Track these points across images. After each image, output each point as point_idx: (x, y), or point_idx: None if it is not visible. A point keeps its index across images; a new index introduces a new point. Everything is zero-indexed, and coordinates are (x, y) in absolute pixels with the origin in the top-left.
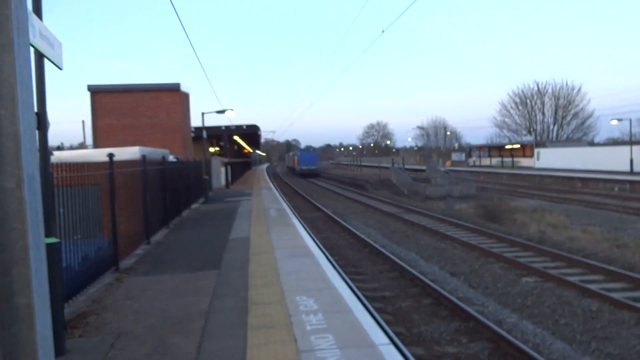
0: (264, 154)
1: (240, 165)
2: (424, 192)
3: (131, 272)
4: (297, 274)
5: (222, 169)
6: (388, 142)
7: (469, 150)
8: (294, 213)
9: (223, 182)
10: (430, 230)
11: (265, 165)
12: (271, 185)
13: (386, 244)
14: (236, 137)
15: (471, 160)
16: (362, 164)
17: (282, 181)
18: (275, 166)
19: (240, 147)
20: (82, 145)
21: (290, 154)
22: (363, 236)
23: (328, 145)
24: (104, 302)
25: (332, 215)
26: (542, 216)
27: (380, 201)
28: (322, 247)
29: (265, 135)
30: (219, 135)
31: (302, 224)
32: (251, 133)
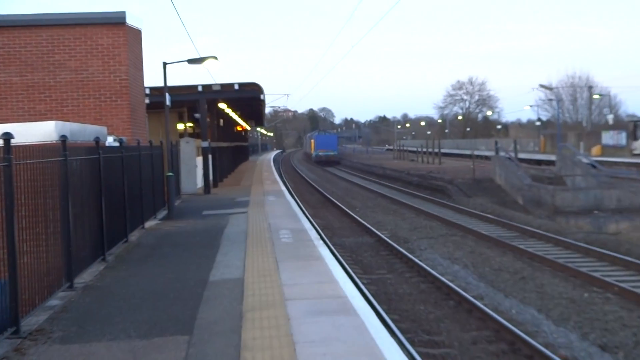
0: (270, 134)
1: (231, 153)
2: (551, 200)
3: (41, 338)
4: (328, 347)
5: (199, 160)
6: (489, 113)
7: (634, 127)
8: (321, 237)
9: (200, 182)
10: (564, 270)
11: (273, 153)
12: (282, 186)
13: (485, 292)
14: (223, 106)
15: (638, 145)
16: (443, 150)
17: (301, 179)
18: (291, 154)
19: (231, 123)
20: None
21: (308, 135)
22: (444, 279)
23: (383, 119)
24: None
25: (390, 240)
26: None
27: (473, 216)
28: (370, 297)
29: (273, 101)
30: (194, 102)
31: (335, 257)
32: (249, 98)
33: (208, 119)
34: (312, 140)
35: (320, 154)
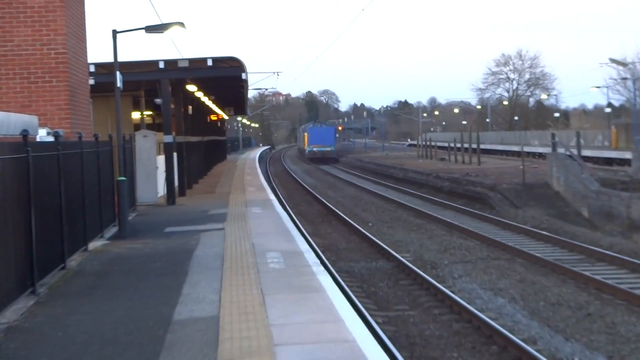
0: (255, 125)
1: (204, 151)
2: (626, 212)
3: None
4: None
5: (161, 160)
6: (543, 97)
7: None
8: (322, 261)
9: (162, 188)
10: None
11: (259, 150)
12: (270, 194)
13: (539, 333)
14: (192, 88)
15: None
16: (483, 146)
17: (296, 184)
18: (283, 151)
19: (203, 111)
20: None
21: (302, 127)
22: (485, 316)
23: (403, 105)
24: None
25: (413, 266)
26: None
27: (523, 233)
28: (388, 341)
29: (259, 82)
30: (154, 83)
31: (341, 288)
32: (226, 78)
33: (172, 106)
34: (305, 134)
35: (314, 149)
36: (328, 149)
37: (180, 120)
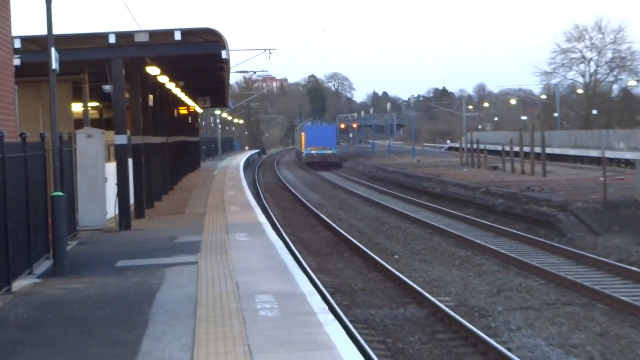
0: (239, 121)
1: (170, 156)
2: None
3: None
4: None
5: (111, 169)
6: (631, 84)
7: None
8: (331, 307)
9: (113, 207)
10: None
11: (244, 155)
12: (259, 215)
13: None
14: (154, 71)
15: None
16: (550, 150)
17: (294, 201)
18: (277, 156)
19: (169, 102)
20: None
21: (299, 126)
22: None
23: (441, 95)
24: None
25: (454, 313)
26: None
27: (605, 269)
28: None
29: (244, 62)
30: (102, 64)
31: (356, 344)
32: (200, 57)
33: (127, 95)
34: (302, 134)
35: (312, 152)
36: (329, 151)
37: (138, 114)
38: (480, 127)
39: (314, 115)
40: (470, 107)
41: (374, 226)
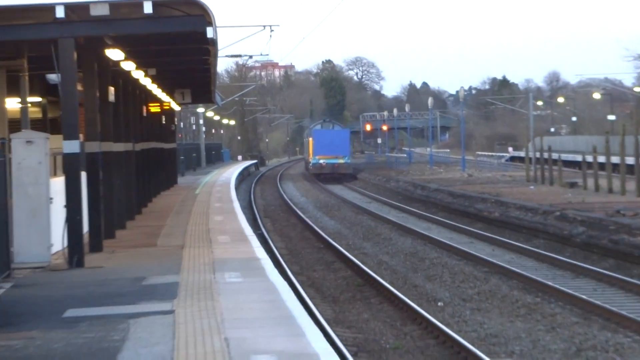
0: (229, 122)
1: (137, 168)
2: None
3: None
4: None
5: (57, 185)
6: None
7: None
8: None
9: (60, 237)
10: None
11: (237, 167)
12: (256, 249)
13: None
14: (116, 55)
15: None
16: None
17: (304, 229)
18: (281, 169)
19: (136, 97)
20: None
21: (308, 130)
22: None
23: (500, 86)
24: None
25: None
26: None
27: None
28: None
29: (236, 43)
30: (45, 45)
31: None
32: (178, 36)
33: (80, 88)
34: (310, 139)
35: (320, 161)
36: (340, 161)
37: (94, 113)
38: (553, 129)
39: (329, 115)
40: (540, 103)
41: (411, 263)
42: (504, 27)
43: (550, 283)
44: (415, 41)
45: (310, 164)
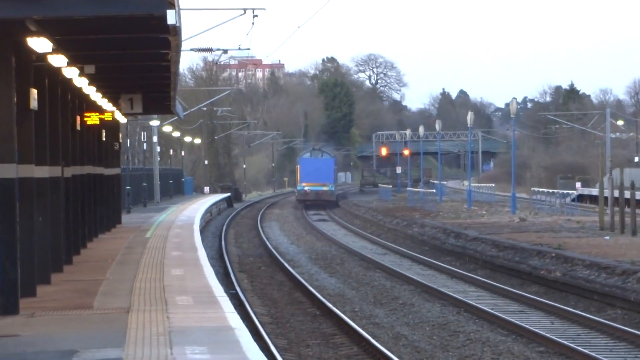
0: (194, 140)
1: (66, 201)
2: None
3: None
4: None
5: None
6: None
7: None
8: None
9: None
10: None
11: (203, 203)
12: (227, 313)
13: None
14: (39, 45)
15: None
16: None
17: (296, 287)
18: (260, 205)
19: (66, 104)
20: None
21: (300, 156)
22: None
23: (566, 96)
24: None
25: None
26: None
27: None
28: None
29: (211, 35)
30: None
31: None
32: (122, 21)
33: None
34: (298, 167)
35: (305, 188)
36: (325, 188)
37: (10, 124)
38: (638, 159)
39: (331, 134)
40: (621, 122)
41: (440, 338)
42: (572, 22)
43: None
44: (449, 36)
45: (296, 191)
